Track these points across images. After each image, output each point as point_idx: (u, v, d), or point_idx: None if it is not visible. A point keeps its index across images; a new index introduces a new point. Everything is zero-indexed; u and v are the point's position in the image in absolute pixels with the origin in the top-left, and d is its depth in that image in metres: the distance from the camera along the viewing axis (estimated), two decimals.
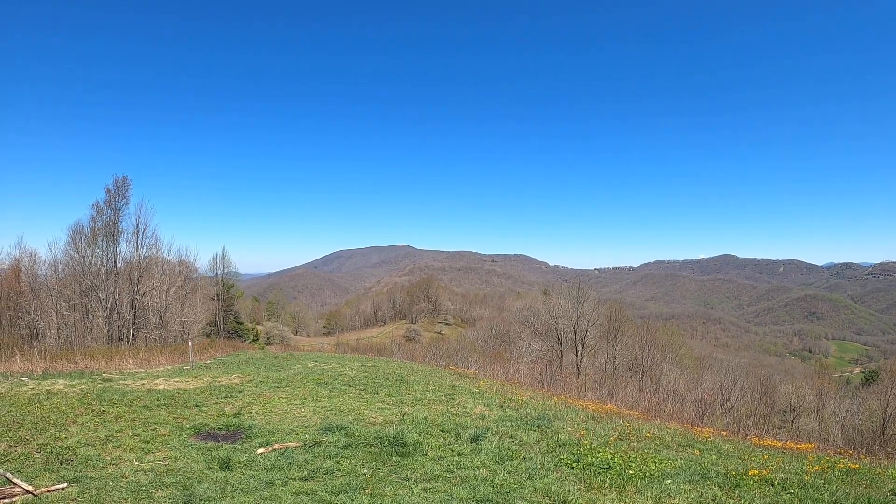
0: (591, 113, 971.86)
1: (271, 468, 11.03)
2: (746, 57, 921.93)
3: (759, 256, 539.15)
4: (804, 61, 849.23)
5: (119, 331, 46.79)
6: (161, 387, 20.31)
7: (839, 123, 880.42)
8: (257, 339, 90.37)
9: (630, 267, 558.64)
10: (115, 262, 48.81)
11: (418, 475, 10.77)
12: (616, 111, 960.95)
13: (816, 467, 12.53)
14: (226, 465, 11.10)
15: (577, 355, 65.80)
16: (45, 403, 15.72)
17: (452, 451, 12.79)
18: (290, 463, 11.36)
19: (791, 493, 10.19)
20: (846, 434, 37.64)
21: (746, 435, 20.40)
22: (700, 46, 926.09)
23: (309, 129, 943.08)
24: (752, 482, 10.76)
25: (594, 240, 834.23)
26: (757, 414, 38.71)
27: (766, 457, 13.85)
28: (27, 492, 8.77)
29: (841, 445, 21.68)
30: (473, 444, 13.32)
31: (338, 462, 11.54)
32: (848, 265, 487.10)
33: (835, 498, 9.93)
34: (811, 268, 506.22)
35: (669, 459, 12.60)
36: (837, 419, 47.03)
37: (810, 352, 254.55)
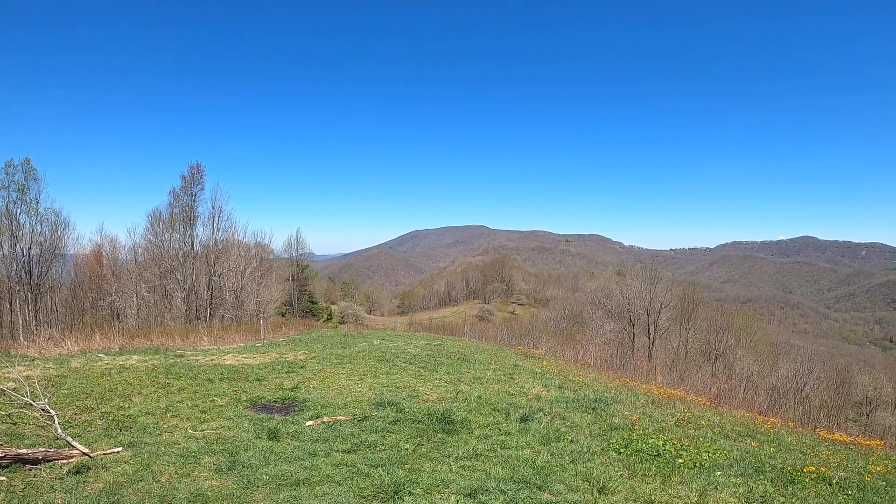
0: (666, 91, 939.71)
1: (317, 440, 11.26)
2: (823, 38, 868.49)
3: (841, 238, 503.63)
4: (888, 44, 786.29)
5: (197, 310, 49.07)
6: (228, 362, 21.07)
7: None
8: (331, 318, 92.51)
9: (706, 248, 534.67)
10: (193, 245, 51.28)
11: (460, 453, 10.71)
12: (692, 90, 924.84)
13: (880, 467, 11.43)
14: (274, 435, 11.41)
15: (649, 338, 64.27)
16: (115, 377, 16.64)
17: (500, 430, 12.64)
18: (336, 435, 11.56)
19: (848, 495, 9.35)
20: None
21: (815, 427, 19.11)
22: (786, 24, 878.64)
23: (383, 111, 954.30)
24: (808, 480, 9.94)
25: (670, 220, 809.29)
26: (829, 405, 36.59)
27: (828, 453, 12.76)
28: (84, 454, 9.35)
29: None
30: (522, 424, 13.13)
31: (383, 436, 11.65)
32: None
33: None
34: (895, 251, 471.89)
35: (724, 450, 11.91)
36: None
37: (892, 341, 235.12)
